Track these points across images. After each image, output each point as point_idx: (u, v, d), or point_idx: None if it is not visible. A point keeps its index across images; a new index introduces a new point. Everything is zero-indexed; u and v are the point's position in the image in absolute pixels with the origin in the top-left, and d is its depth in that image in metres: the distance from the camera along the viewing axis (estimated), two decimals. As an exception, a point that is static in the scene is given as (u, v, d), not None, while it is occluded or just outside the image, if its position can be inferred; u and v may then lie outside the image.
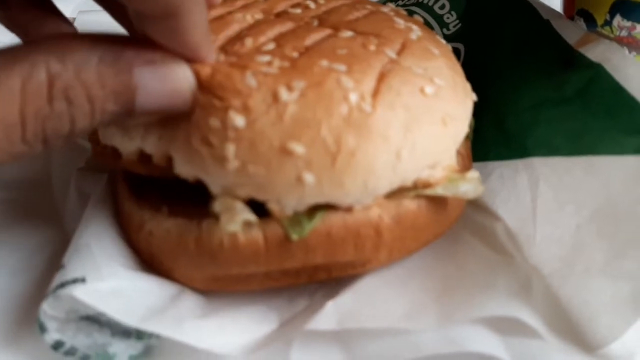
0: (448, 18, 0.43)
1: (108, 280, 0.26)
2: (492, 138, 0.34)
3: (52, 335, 0.25)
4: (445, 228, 0.29)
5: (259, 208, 0.25)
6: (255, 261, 0.25)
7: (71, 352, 0.25)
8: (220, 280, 0.27)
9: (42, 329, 0.25)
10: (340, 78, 0.25)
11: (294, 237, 0.25)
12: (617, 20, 0.35)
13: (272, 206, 0.24)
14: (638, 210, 0.25)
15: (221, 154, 0.24)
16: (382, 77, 0.26)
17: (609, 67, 0.30)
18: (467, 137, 0.32)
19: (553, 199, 0.29)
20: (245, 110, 0.24)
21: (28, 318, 0.27)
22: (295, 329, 0.26)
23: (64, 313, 0.25)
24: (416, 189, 0.26)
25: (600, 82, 0.30)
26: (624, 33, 0.35)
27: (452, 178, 0.27)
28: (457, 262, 0.29)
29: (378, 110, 0.25)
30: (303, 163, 0.24)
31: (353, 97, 0.25)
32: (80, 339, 0.25)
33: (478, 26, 0.41)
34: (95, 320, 0.26)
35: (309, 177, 0.24)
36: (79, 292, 0.24)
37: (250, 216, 0.24)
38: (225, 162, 0.24)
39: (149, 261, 0.28)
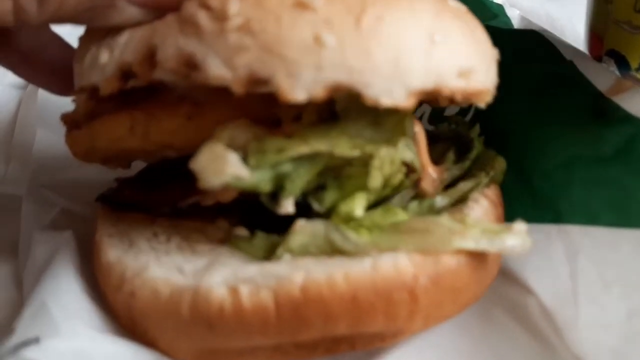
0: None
1: (67, 340, 0.22)
2: (516, 197, 0.31)
3: None
4: (484, 288, 0.26)
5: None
6: (263, 332, 0.22)
7: None
8: (217, 354, 0.23)
9: None
10: None
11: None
12: (653, 63, 0.32)
13: (280, 81, 0.20)
14: None
15: (221, 14, 0.21)
16: None
17: (651, 123, 0.27)
18: (495, 181, 0.29)
19: (597, 277, 0.26)
20: None
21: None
22: None
23: None
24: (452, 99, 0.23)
25: (644, 140, 0.27)
26: (661, 78, 0.32)
27: (495, 230, 0.24)
28: (491, 347, 0.26)
29: None
30: (322, 20, 0.20)
31: None
32: None
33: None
34: None
35: (329, 38, 0.20)
36: (32, 354, 0.21)
37: (242, 170, 0.21)
38: (225, 21, 0.20)
39: (128, 327, 0.24)
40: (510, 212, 0.30)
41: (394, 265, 0.22)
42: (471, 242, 0.23)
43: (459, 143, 0.32)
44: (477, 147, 0.30)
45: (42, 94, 0.39)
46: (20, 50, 0.29)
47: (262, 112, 0.22)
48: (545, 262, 0.28)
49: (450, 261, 0.23)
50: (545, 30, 0.38)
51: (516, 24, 0.45)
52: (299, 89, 0.20)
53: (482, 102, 0.24)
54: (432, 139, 0.28)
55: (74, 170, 0.33)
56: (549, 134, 0.31)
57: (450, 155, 0.30)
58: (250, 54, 0.20)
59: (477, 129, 0.31)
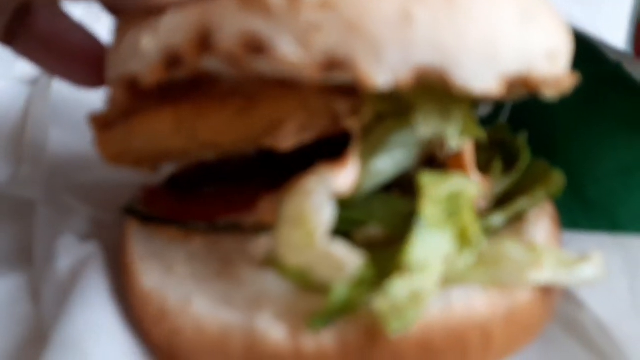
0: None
1: None
2: (565, 203, 0.29)
3: None
4: (551, 315, 0.24)
5: None
6: None
7: None
8: None
9: None
10: None
11: (394, 326, 0.18)
12: None
13: (362, 63, 0.18)
14: None
15: None
16: None
17: None
18: (552, 197, 0.27)
19: (662, 291, 0.24)
20: None
21: None
22: None
23: None
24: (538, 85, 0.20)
25: None
26: None
27: (570, 261, 0.22)
28: None
29: None
30: None
31: None
32: None
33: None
34: None
35: (420, 13, 0.18)
36: None
37: (353, 258, 0.19)
38: None
39: None
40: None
41: (468, 303, 0.20)
42: (548, 275, 0.21)
43: (503, 151, 0.30)
44: (525, 157, 0.28)
45: (56, 91, 0.37)
46: (39, 36, 0.26)
47: (319, 106, 0.20)
48: (599, 274, 0.27)
49: (524, 296, 0.21)
50: (583, 30, 0.37)
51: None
52: (383, 71, 0.18)
53: (559, 92, 0.21)
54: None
55: (93, 173, 0.31)
56: (602, 139, 0.30)
57: (497, 165, 0.28)
58: (329, 33, 0.18)
59: (524, 136, 0.30)
